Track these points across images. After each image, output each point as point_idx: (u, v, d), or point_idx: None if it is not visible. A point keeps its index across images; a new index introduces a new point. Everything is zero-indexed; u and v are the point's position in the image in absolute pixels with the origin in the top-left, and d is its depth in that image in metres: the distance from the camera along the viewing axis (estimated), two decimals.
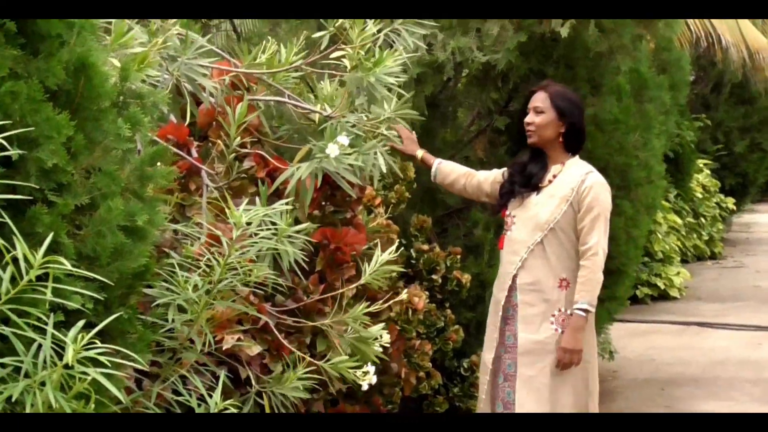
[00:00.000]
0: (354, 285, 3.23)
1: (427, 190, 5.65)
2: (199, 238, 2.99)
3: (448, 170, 4.61)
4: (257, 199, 3.14)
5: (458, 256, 5.21)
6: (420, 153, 4.57)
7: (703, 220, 15.06)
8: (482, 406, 4.40)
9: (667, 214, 12.29)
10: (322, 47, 3.50)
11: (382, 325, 3.13)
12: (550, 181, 4.32)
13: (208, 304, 2.59)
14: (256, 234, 2.73)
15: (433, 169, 4.63)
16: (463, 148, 5.94)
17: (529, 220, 4.29)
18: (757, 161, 17.34)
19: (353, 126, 3.23)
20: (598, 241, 4.18)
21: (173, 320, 2.59)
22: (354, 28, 3.38)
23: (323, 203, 3.76)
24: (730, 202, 16.52)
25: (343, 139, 3.08)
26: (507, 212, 4.41)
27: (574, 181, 4.26)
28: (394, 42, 3.56)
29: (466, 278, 5.16)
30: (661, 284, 11.27)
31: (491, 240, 5.53)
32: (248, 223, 2.69)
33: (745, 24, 13.02)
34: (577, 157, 4.39)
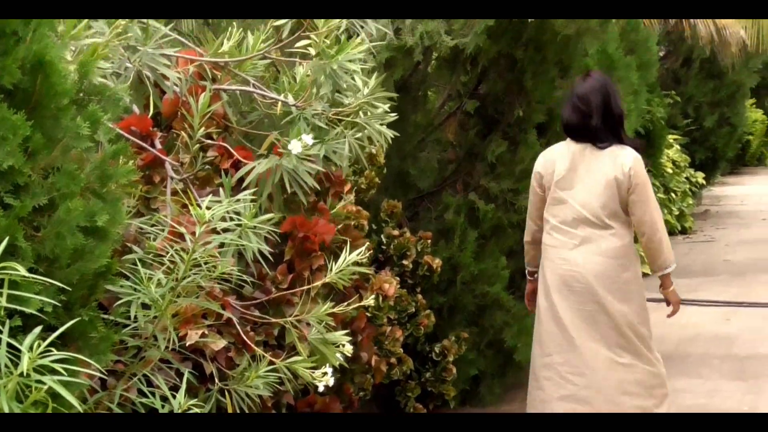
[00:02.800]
0: (320, 282, 3.18)
1: (398, 174, 5.62)
2: (163, 231, 2.93)
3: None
4: (221, 190, 3.09)
5: (429, 241, 5.19)
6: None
7: (673, 195, 15.11)
8: None
9: None
10: (285, 35, 3.44)
11: (345, 331, 3.09)
12: None
13: (171, 301, 2.54)
14: (221, 229, 2.68)
15: None
16: (433, 131, 5.91)
17: None
18: (726, 135, 17.43)
19: (318, 115, 3.18)
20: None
21: (136, 318, 2.54)
22: None
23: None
24: (700, 177, 16.58)
25: (308, 138, 3.03)
26: None
27: None
28: (362, 27, 3.51)
29: (437, 263, 5.13)
30: None
31: (462, 224, 5.51)
32: (213, 217, 2.64)
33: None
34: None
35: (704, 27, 13.04)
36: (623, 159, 4.54)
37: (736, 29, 13.61)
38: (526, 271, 4.93)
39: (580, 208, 4.55)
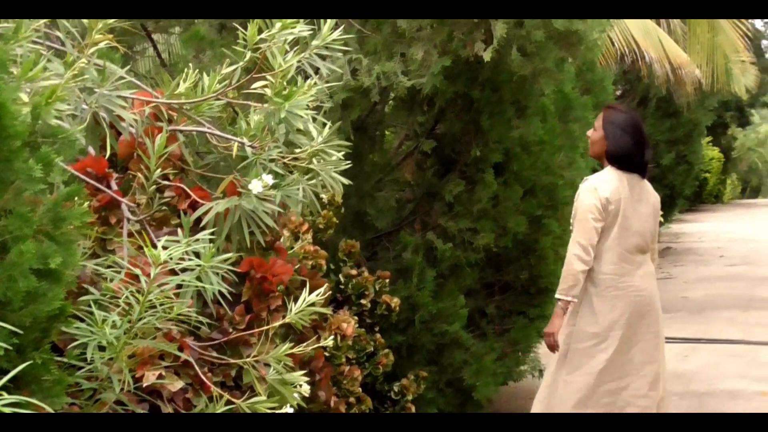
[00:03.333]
0: (278, 323, 3.18)
1: (356, 214, 5.65)
2: (119, 272, 2.93)
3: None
4: (179, 230, 3.09)
5: (387, 280, 5.21)
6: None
7: None
8: None
9: None
10: (236, 78, 3.46)
11: (304, 371, 3.10)
12: None
13: (126, 342, 2.54)
14: (179, 269, 2.68)
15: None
16: (391, 171, 5.95)
17: None
18: (683, 173, 17.65)
19: (273, 161, 3.21)
20: (573, 237, 4.85)
21: (92, 360, 2.53)
22: (274, 57, 3.35)
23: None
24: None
25: (268, 178, 3.05)
26: None
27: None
28: (317, 69, 3.54)
29: (395, 302, 5.15)
30: None
31: (420, 263, 5.54)
32: (171, 258, 2.64)
33: (668, 41, 13.26)
34: (606, 168, 4.95)
35: (660, 67, 13.24)
36: (654, 191, 5.14)
37: (692, 69, 13.85)
38: (564, 303, 4.83)
39: (639, 235, 4.89)
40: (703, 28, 14.20)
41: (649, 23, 13.16)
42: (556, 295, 4.85)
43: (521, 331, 6.35)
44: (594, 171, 12.01)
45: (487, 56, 4.78)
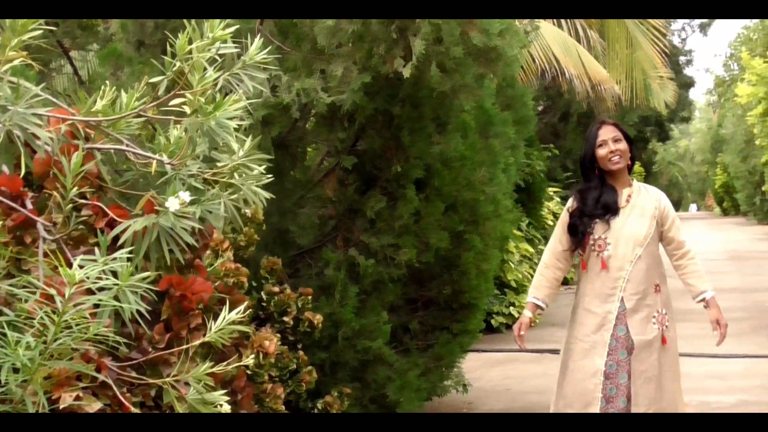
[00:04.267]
0: (198, 341, 3.18)
1: (278, 231, 5.65)
2: (35, 293, 2.90)
3: (549, 292, 5.33)
4: (97, 249, 3.08)
5: (310, 297, 5.22)
6: (528, 313, 5.31)
7: None
8: (594, 405, 5.04)
9: (519, 242, 12.57)
10: (161, 92, 3.46)
11: (225, 390, 3.10)
12: (627, 202, 5.20)
13: (41, 364, 2.52)
14: (97, 288, 2.67)
15: (543, 305, 5.36)
16: (313, 188, 5.97)
17: (628, 239, 5.10)
18: None
19: (193, 176, 3.21)
20: (688, 241, 5.22)
21: (6, 382, 2.50)
22: (194, 73, 3.36)
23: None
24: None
25: (185, 195, 3.06)
26: (594, 237, 5.14)
27: (655, 200, 5.22)
28: (237, 86, 3.55)
29: (318, 319, 5.16)
30: (515, 313, 11.50)
31: (343, 279, 5.55)
32: (87, 277, 2.63)
33: (587, 57, 13.53)
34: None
35: (580, 83, 13.50)
36: None
37: (611, 85, 14.13)
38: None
39: None
40: (621, 44, 14.52)
41: (569, 39, 13.43)
42: (711, 289, 5.17)
43: (445, 346, 6.41)
44: (518, 187, 12.13)
45: (406, 72, 4.83)
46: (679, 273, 5.20)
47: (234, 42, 3.38)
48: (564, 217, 5.28)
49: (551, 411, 5.29)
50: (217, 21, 3.33)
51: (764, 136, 13.79)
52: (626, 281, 5.06)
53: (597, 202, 5.15)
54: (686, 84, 33.86)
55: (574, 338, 5.23)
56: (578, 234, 5.15)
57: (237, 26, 3.40)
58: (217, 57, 3.38)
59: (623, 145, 5.20)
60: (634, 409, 4.99)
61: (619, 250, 5.07)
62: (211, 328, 3.05)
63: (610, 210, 5.14)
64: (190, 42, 3.32)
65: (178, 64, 3.43)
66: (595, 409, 5.01)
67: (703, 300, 5.11)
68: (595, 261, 5.10)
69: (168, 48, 3.39)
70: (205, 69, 3.40)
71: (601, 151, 5.16)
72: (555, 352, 9.86)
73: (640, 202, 5.19)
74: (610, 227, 5.10)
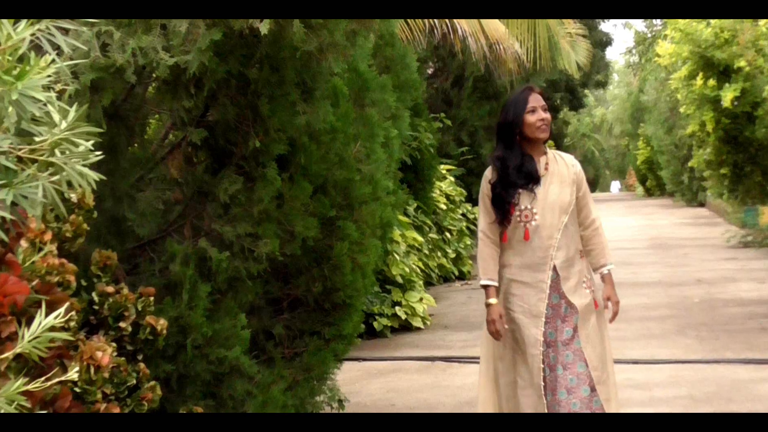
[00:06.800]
0: (10, 353, 3.18)
1: (112, 218, 5.63)
2: None
3: (494, 269, 5.92)
4: None
5: (152, 298, 5.22)
6: (494, 300, 5.86)
7: (448, 235, 15.69)
8: (537, 377, 5.77)
9: (405, 230, 12.70)
10: None
11: (45, 412, 3.11)
12: (546, 170, 5.86)
13: None
14: None
15: (493, 283, 5.91)
16: (155, 167, 5.96)
17: (553, 207, 5.82)
18: None
19: (2, 153, 3.20)
20: (595, 208, 6.02)
21: None
22: (2, 29, 3.34)
23: None
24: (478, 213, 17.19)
25: None
26: (521, 208, 5.81)
27: (571, 166, 5.96)
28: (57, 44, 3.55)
29: (162, 324, 5.17)
30: (401, 313, 11.65)
31: (192, 276, 5.57)
32: None
33: None
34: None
35: (475, 41, 13.67)
36: None
37: (511, 43, 14.35)
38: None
39: None
40: None
41: None
42: (610, 263, 5.99)
43: (315, 354, 6.48)
44: (403, 165, 12.25)
45: (264, 29, 4.87)
46: (583, 243, 5.97)
47: None
48: (485, 189, 5.89)
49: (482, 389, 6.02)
50: None
51: (689, 102, 14.18)
52: (557, 249, 5.80)
53: (519, 170, 5.81)
54: (602, 42, 34.60)
55: (507, 311, 5.87)
56: (505, 205, 5.80)
57: None
58: None
59: (549, 116, 5.89)
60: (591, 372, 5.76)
61: (547, 220, 5.80)
62: (23, 337, 3.04)
63: (533, 178, 5.81)
64: None
65: None
66: (539, 380, 5.74)
67: (602, 273, 5.97)
68: (521, 232, 5.83)
69: None
70: (15, 23, 3.38)
71: (531, 118, 5.80)
72: (447, 359, 10.09)
73: (558, 170, 5.92)
74: (536, 196, 5.81)
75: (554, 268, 5.82)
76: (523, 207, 5.80)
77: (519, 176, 5.79)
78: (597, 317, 5.89)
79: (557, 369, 5.77)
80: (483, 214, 5.93)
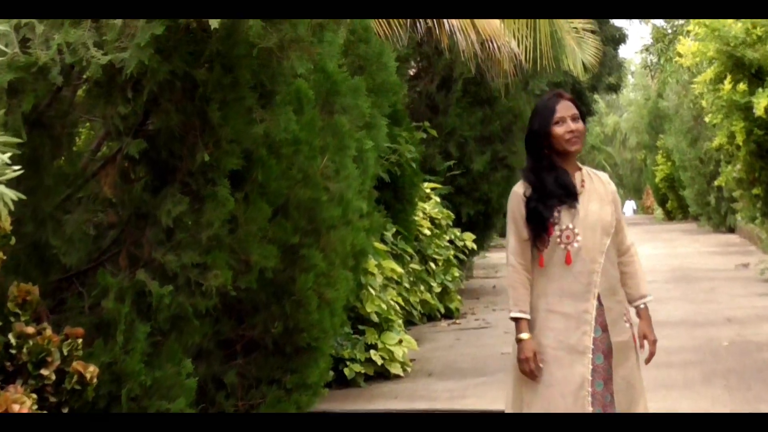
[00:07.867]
0: None
1: (33, 246, 5.61)
2: None
3: (526, 299, 5.87)
4: None
5: (80, 341, 5.20)
6: (526, 335, 5.80)
7: (433, 265, 15.63)
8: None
9: (382, 260, 12.64)
10: None
11: None
12: (582, 187, 5.89)
13: None
14: None
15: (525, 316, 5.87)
16: (85, 184, 5.93)
17: (594, 227, 5.85)
18: (502, 181, 17.89)
19: None
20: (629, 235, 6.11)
21: None
22: None
23: None
24: (468, 239, 17.16)
25: None
26: (561, 227, 5.81)
27: (608, 185, 6.03)
28: None
29: (91, 371, 5.15)
30: (377, 358, 11.57)
31: (128, 314, 5.55)
32: None
33: None
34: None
35: (465, 38, 13.64)
36: None
37: (506, 40, 14.32)
38: None
39: None
40: None
41: None
42: (649, 295, 6.06)
43: (275, 406, 6.45)
44: (380, 182, 12.21)
45: (214, 23, 4.88)
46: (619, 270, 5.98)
47: None
48: (516, 204, 5.89)
49: None
50: None
51: (716, 110, 14.19)
52: (600, 275, 5.82)
53: (556, 182, 5.84)
54: (614, 38, 34.59)
55: (543, 347, 5.80)
56: (544, 221, 5.80)
57: None
58: None
59: (581, 126, 5.90)
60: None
61: (588, 241, 5.81)
62: None
63: (571, 193, 5.84)
64: None
65: None
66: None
67: (638, 306, 6.02)
68: (561, 255, 5.82)
69: None
70: None
71: (559, 129, 5.82)
72: (432, 414, 10.03)
73: (595, 187, 5.97)
74: (578, 215, 5.82)
75: (598, 297, 5.83)
76: (564, 226, 5.82)
77: (557, 186, 5.84)
78: (636, 356, 5.98)
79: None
80: (513, 236, 5.91)
